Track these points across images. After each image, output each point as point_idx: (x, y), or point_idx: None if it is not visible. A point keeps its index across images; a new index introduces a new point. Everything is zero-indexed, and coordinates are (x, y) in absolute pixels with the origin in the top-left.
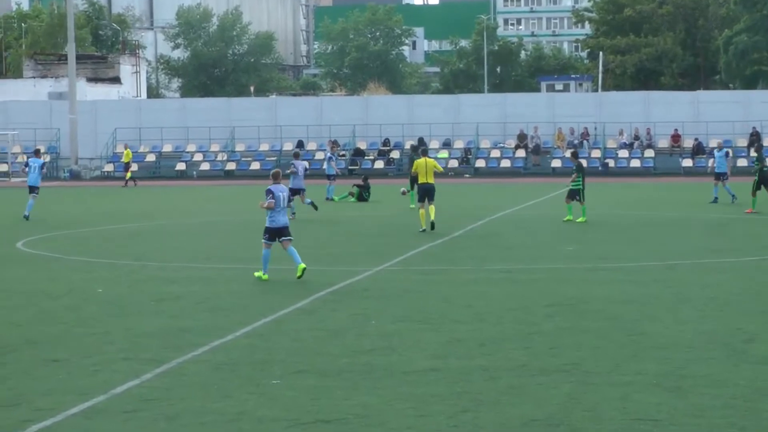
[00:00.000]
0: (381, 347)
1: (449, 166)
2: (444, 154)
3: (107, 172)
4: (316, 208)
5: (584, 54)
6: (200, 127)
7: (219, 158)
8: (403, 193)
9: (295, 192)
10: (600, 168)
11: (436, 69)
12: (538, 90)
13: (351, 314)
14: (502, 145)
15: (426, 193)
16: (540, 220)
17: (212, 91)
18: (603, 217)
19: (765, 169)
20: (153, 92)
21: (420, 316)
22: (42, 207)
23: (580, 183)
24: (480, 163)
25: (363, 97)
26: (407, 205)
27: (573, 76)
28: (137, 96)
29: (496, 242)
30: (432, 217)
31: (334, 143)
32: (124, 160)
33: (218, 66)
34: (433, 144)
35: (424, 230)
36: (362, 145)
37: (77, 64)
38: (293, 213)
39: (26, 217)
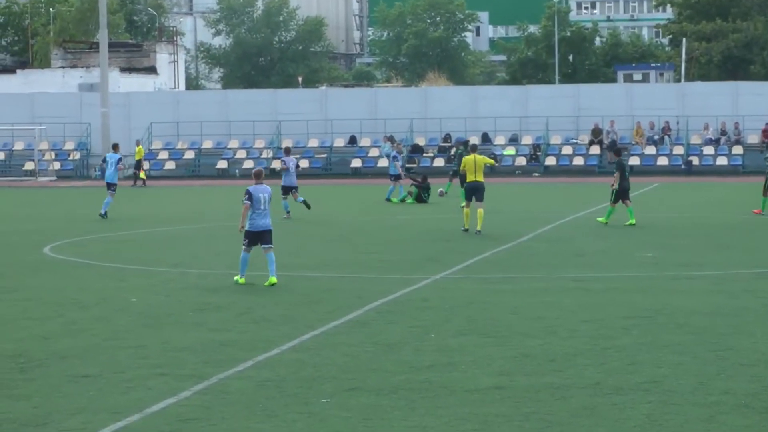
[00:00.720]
0: (441, 363)
1: (516, 163)
2: (511, 151)
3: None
4: (308, 206)
5: (665, 41)
6: (243, 121)
7: (264, 155)
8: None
9: (287, 190)
10: (683, 166)
11: (502, 57)
12: (614, 80)
13: (408, 327)
14: (574, 141)
15: (474, 192)
16: (616, 224)
17: (256, 82)
18: (686, 220)
19: None
20: (192, 83)
21: (484, 329)
22: (70, 209)
23: (619, 183)
24: (550, 161)
25: (422, 89)
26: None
27: (653, 65)
28: (175, 87)
29: (567, 248)
30: (479, 225)
31: (391, 139)
32: (135, 157)
33: (263, 54)
34: (499, 140)
35: (466, 230)
36: (420, 141)
37: (110, 53)
38: (287, 212)
39: (103, 215)
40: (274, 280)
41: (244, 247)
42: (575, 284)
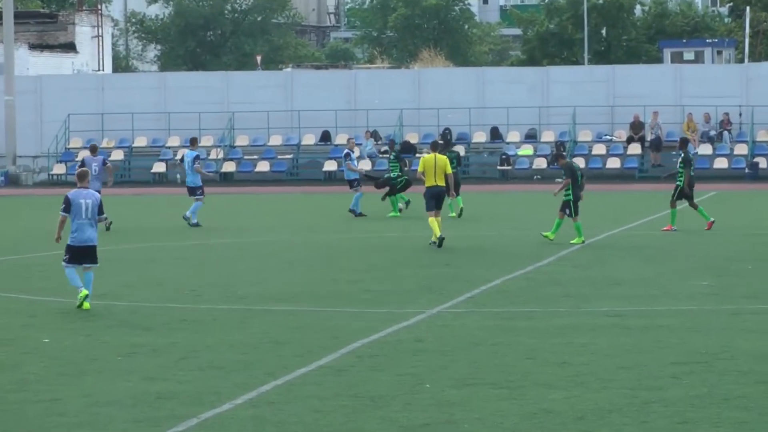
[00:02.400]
0: (439, 421)
1: (535, 165)
2: (527, 150)
3: (57, 175)
4: (108, 227)
5: (724, 10)
6: (186, 112)
7: (213, 156)
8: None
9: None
10: (747, 170)
11: (517, 31)
12: (659, 60)
13: (397, 375)
14: (608, 137)
15: (437, 199)
16: (662, 244)
17: (203, 62)
18: (751, 238)
19: (693, 174)
20: (121, 64)
21: (494, 378)
22: None
23: (570, 192)
24: (577, 163)
25: (414, 71)
26: (469, 223)
27: (708, 40)
28: (99, 69)
29: (600, 274)
30: (438, 233)
31: (375, 135)
32: None
33: (212, 28)
34: (513, 136)
35: (434, 243)
36: (413, 138)
37: (16, 25)
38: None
39: (194, 224)
40: (87, 305)
41: (64, 263)
42: (610, 320)
